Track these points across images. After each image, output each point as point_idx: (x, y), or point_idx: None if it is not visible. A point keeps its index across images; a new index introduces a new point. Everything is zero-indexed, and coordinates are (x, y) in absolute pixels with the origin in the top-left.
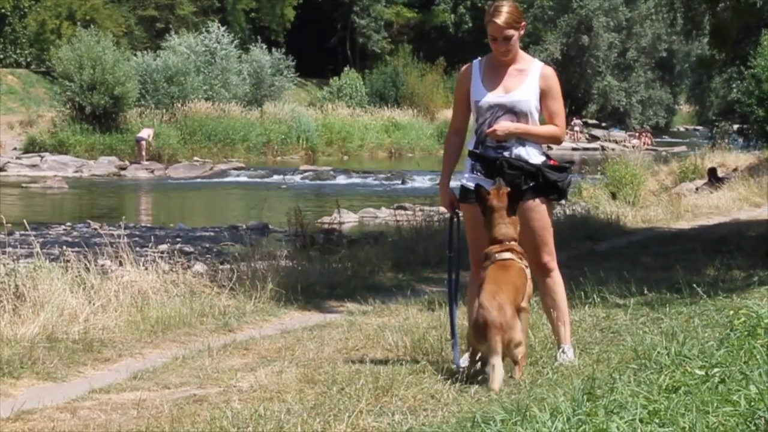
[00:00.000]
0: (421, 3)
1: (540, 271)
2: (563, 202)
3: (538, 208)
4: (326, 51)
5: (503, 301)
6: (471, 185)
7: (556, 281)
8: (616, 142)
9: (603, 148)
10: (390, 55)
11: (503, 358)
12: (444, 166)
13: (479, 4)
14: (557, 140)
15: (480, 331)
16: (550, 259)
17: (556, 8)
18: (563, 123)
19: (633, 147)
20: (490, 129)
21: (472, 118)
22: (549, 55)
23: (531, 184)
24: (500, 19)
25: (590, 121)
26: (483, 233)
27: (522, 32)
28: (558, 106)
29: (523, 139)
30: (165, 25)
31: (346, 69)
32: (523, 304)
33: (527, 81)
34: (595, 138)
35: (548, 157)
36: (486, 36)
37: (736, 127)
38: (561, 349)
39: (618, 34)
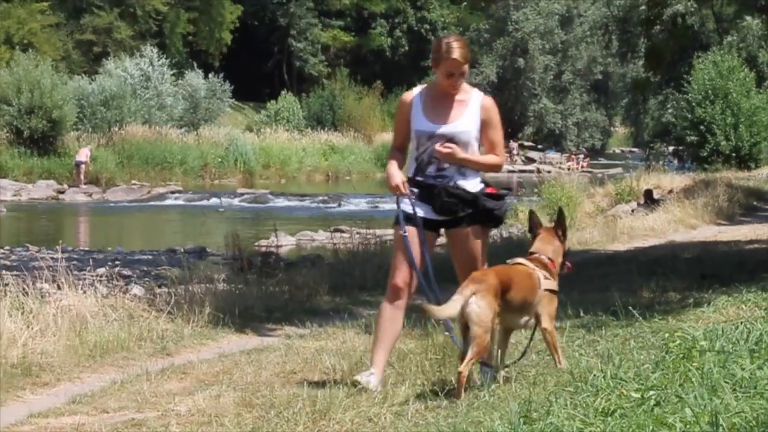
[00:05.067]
0: (358, 27)
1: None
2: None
3: (473, 236)
4: (263, 74)
5: (487, 276)
6: (410, 210)
7: None
8: (552, 164)
9: (539, 171)
10: (327, 79)
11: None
12: (389, 160)
13: (415, 28)
14: (497, 169)
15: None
16: None
17: (491, 31)
18: (503, 152)
19: (569, 169)
20: (441, 148)
21: (412, 145)
22: (485, 78)
23: (468, 212)
24: (458, 55)
25: (526, 144)
26: (404, 260)
27: None
28: (498, 136)
29: (463, 167)
30: (103, 49)
31: (283, 92)
32: (545, 324)
33: (468, 111)
34: (531, 160)
35: (486, 184)
36: (423, 62)
37: (671, 149)
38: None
39: (554, 56)
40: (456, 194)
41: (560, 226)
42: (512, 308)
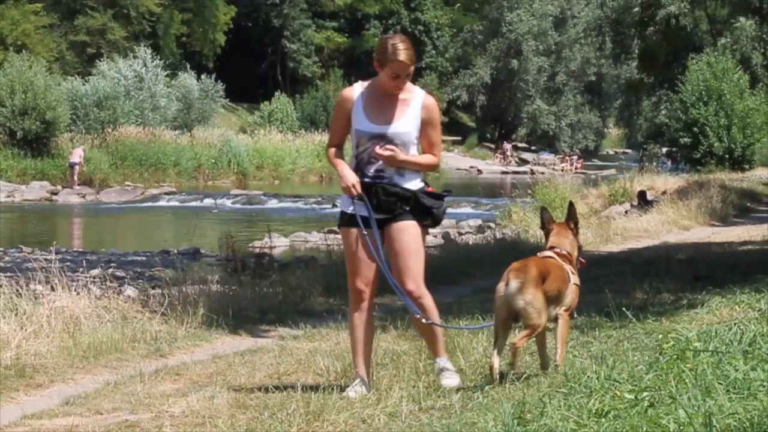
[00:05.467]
0: (352, 28)
1: (413, 300)
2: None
3: (408, 229)
4: (257, 76)
5: (529, 266)
6: (349, 210)
7: (425, 308)
8: (546, 166)
9: (532, 172)
10: (321, 80)
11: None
12: (336, 161)
13: (409, 29)
14: (434, 168)
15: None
16: (416, 287)
17: (485, 32)
18: (440, 152)
19: (562, 170)
20: (381, 151)
21: (351, 143)
22: (479, 79)
23: (406, 208)
24: (405, 57)
25: (520, 145)
26: (362, 261)
27: None
28: (437, 136)
29: (401, 168)
30: (96, 50)
31: (276, 94)
32: (566, 316)
33: (409, 111)
34: (524, 161)
35: (426, 183)
36: (416, 64)
37: (664, 150)
38: (440, 366)
39: (547, 58)
40: (394, 192)
41: (572, 219)
42: (547, 299)
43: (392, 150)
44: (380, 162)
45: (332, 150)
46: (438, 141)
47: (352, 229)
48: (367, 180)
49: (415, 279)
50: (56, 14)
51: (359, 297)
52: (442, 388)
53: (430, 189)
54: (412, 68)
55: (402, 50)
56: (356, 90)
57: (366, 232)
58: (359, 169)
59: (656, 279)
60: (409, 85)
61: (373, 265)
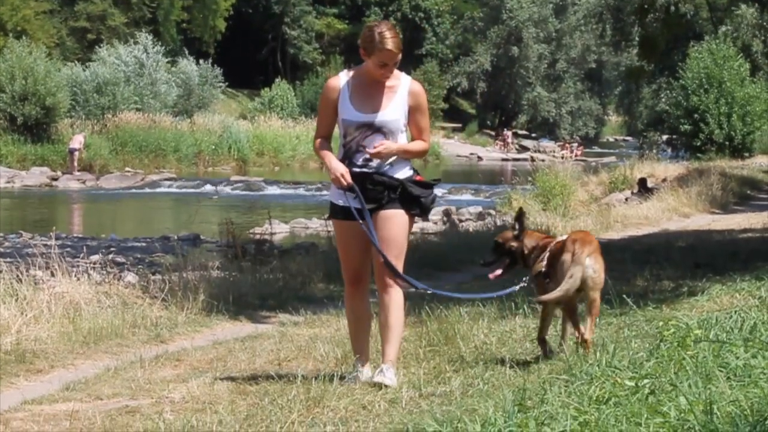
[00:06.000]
0: (352, 14)
1: (381, 285)
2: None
3: (395, 218)
4: (257, 62)
5: (591, 236)
6: (340, 202)
7: (393, 299)
8: (546, 153)
9: (533, 159)
10: (321, 67)
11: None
12: (323, 152)
13: (410, 16)
14: (424, 155)
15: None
16: (390, 277)
17: (485, 19)
18: (429, 138)
19: (562, 157)
20: (375, 150)
21: (339, 132)
22: (479, 66)
23: (392, 196)
24: (392, 45)
25: (520, 132)
26: (355, 250)
27: None
28: (426, 121)
29: (390, 157)
30: (96, 36)
31: (277, 80)
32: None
33: (396, 99)
34: (524, 149)
35: (416, 172)
36: (417, 50)
37: (665, 137)
38: (380, 368)
39: (548, 45)
40: (381, 182)
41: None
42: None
43: (383, 145)
44: (369, 150)
45: (318, 141)
46: (427, 126)
47: (344, 220)
48: (355, 170)
49: (393, 267)
50: (56, 0)
51: (355, 286)
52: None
53: (419, 177)
54: (399, 56)
55: (389, 38)
56: (342, 79)
57: (362, 222)
58: (347, 158)
59: (656, 266)
60: (395, 72)
61: (368, 254)
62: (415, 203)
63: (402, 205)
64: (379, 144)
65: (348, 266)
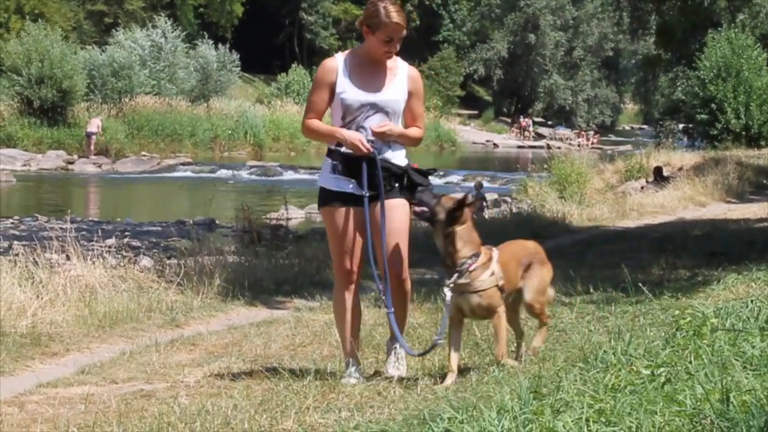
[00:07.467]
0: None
1: (397, 283)
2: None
3: (399, 208)
4: (274, 47)
5: None
6: (333, 188)
7: (408, 291)
8: (562, 140)
9: (549, 146)
10: (338, 52)
11: None
12: (327, 126)
13: (426, 2)
14: (419, 143)
15: None
16: (403, 269)
17: (503, 6)
18: (424, 125)
19: (578, 145)
20: (380, 130)
21: (335, 114)
22: (496, 53)
23: (396, 185)
24: (399, 18)
25: (536, 119)
26: (352, 240)
27: None
28: (421, 108)
29: (389, 140)
30: (114, 19)
31: (293, 65)
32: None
33: (396, 80)
34: (541, 136)
35: (409, 159)
36: (434, 36)
37: (681, 126)
38: (395, 360)
39: (564, 32)
40: (386, 168)
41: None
42: None
43: (387, 125)
44: (369, 134)
45: (312, 120)
46: (422, 113)
47: (339, 207)
48: (355, 154)
49: (403, 262)
50: None
51: (348, 278)
52: (387, 375)
53: (415, 165)
54: (404, 32)
55: (395, 12)
56: (338, 59)
57: (368, 206)
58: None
59: (672, 255)
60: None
61: (362, 243)
62: (412, 192)
63: (402, 194)
64: (384, 124)
65: (345, 259)
